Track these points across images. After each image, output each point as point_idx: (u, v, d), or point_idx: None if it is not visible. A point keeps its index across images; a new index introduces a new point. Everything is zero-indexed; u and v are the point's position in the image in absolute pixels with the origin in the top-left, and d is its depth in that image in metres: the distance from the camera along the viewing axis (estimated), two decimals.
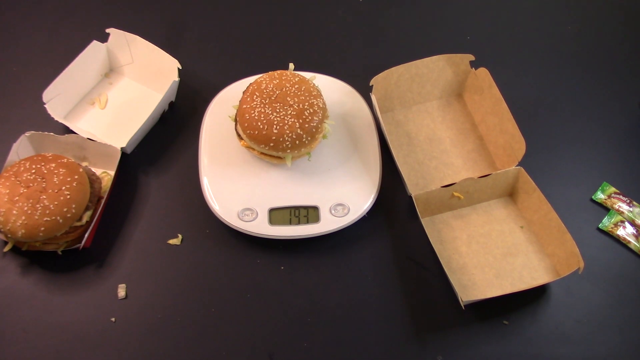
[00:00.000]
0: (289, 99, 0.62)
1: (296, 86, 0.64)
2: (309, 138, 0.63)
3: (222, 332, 0.59)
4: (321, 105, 0.64)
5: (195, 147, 0.68)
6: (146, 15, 0.83)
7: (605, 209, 0.68)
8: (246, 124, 0.62)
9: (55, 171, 0.60)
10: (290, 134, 0.61)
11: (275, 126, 0.61)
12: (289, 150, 0.62)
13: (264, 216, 0.62)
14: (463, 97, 0.75)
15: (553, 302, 0.61)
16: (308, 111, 0.62)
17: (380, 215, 0.66)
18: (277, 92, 0.63)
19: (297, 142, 0.62)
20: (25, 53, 0.78)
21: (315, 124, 0.62)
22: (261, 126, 0.61)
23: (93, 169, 0.67)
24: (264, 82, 0.64)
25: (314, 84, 0.65)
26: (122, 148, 0.66)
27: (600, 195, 0.69)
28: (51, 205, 0.58)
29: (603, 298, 0.62)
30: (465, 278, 0.62)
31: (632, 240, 0.65)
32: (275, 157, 0.64)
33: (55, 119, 0.67)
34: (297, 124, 0.61)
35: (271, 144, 0.61)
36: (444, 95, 0.75)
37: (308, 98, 0.63)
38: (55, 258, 0.62)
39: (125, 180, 0.68)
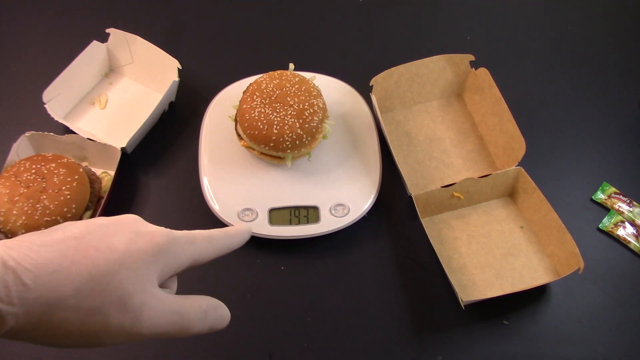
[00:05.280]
0: (289, 99, 0.62)
1: (296, 86, 0.64)
2: (309, 138, 0.63)
3: (222, 332, 0.59)
4: (321, 106, 0.64)
5: (195, 147, 0.68)
6: (146, 15, 0.83)
7: (605, 209, 0.68)
8: (246, 124, 0.62)
9: (55, 171, 0.60)
10: (290, 134, 0.61)
11: (275, 126, 0.61)
12: (289, 151, 0.62)
13: (264, 216, 0.62)
14: (463, 97, 0.75)
15: (553, 302, 0.61)
16: (308, 111, 0.62)
17: (380, 215, 0.66)
18: (277, 92, 0.63)
19: (297, 142, 0.62)
20: (25, 53, 0.78)
21: (315, 124, 0.62)
22: (261, 126, 0.61)
23: (93, 169, 0.67)
24: (264, 82, 0.64)
25: (314, 84, 0.65)
26: (122, 148, 0.66)
27: (600, 195, 0.69)
28: (51, 205, 0.58)
29: (603, 298, 0.62)
30: (465, 278, 0.62)
31: (632, 240, 0.65)
32: (275, 157, 0.64)
33: (55, 119, 0.67)
34: (297, 124, 0.61)
35: (271, 144, 0.61)
36: (444, 95, 0.75)
37: (308, 98, 0.63)
38: None
39: (125, 180, 0.68)
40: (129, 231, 0.33)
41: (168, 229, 0.35)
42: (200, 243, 0.37)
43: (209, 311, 0.36)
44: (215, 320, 0.37)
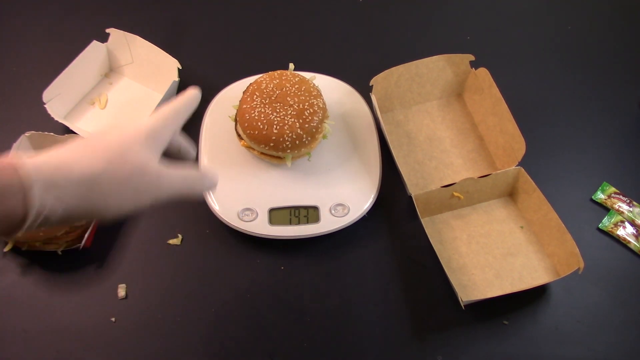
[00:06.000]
0: (289, 99, 0.62)
1: (296, 86, 0.63)
2: (309, 138, 0.62)
3: (221, 332, 0.59)
4: (321, 105, 0.64)
5: (195, 147, 0.67)
6: (146, 15, 0.83)
7: (605, 209, 0.68)
8: (246, 124, 0.62)
9: None
10: (290, 134, 0.61)
11: (275, 126, 0.61)
12: (289, 150, 0.62)
13: (264, 216, 0.62)
14: (463, 97, 0.75)
15: (553, 302, 0.61)
16: (308, 111, 0.62)
17: (380, 215, 0.66)
18: (277, 92, 0.63)
19: (297, 142, 0.61)
20: (25, 53, 0.78)
21: (315, 124, 0.62)
22: (261, 126, 0.61)
23: None
24: (264, 82, 0.64)
25: (314, 84, 0.65)
26: None
27: (600, 195, 0.69)
28: None
29: (603, 298, 0.62)
30: (465, 278, 0.62)
31: (632, 240, 0.65)
32: (275, 157, 0.64)
33: (55, 119, 0.67)
34: (297, 124, 0.61)
35: (271, 144, 0.61)
36: (444, 95, 0.75)
37: (308, 98, 0.63)
38: (55, 258, 0.62)
39: None
40: (118, 127, 0.40)
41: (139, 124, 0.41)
42: (169, 121, 0.43)
43: (205, 174, 0.44)
44: (210, 182, 0.45)
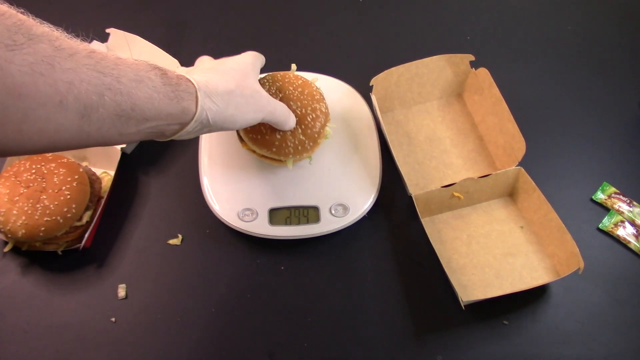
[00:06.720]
0: (292, 104, 0.62)
1: (299, 89, 0.63)
2: (311, 143, 0.62)
3: (221, 332, 0.59)
4: (324, 110, 0.63)
5: (195, 147, 0.68)
6: (146, 15, 0.83)
7: (605, 209, 0.68)
8: (249, 128, 0.62)
9: (55, 171, 0.60)
10: (292, 140, 0.61)
11: (278, 131, 0.60)
12: (291, 155, 0.62)
13: (264, 216, 0.62)
14: (463, 97, 0.75)
15: (553, 302, 0.61)
16: (310, 116, 0.61)
17: (380, 215, 0.66)
18: (280, 96, 0.62)
19: (300, 147, 0.61)
20: None
21: (317, 129, 0.62)
22: (264, 130, 0.61)
23: (93, 169, 0.67)
24: (266, 84, 0.64)
25: (317, 87, 0.65)
26: (122, 148, 0.66)
27: (600, 195, 0.69)
28: (51, 205, 0.58)
29: (603, 298, 0.62)
30: (465, 278, 0.62)
31: (632, 240, 0.65)
32: (277, 159, 0.64)
33: None
34: (300, 129, 0.61)
35: (274, 149, 0.61)
36: (444, 95, 0.75)
37: (311, 102, 0.62)
38: (55, 258, 0.62)
39: (125, 180, 0.68)
40: (229, 60, 0.52)
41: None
42: (258, 59, 0.57)
43: (291, 112, 0.59)
44: (294, 119, 0.59)
